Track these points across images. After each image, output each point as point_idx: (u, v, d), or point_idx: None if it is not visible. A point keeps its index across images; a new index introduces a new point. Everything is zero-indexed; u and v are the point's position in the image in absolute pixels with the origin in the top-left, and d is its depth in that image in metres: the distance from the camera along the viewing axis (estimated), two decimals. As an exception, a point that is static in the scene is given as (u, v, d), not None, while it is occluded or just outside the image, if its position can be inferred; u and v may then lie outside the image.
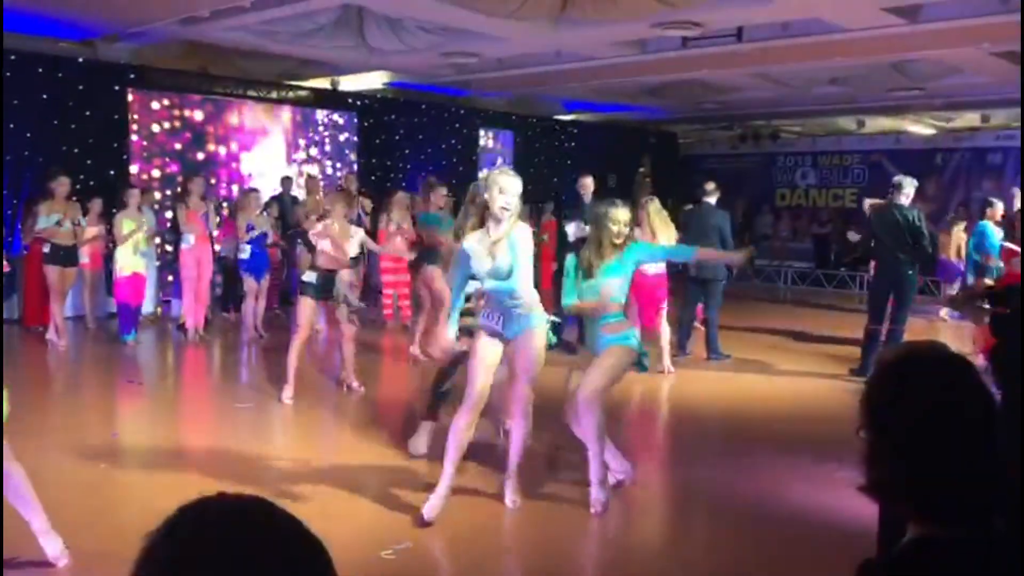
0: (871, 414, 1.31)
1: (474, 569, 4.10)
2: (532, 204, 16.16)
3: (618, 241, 4.80)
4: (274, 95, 14.07)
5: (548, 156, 18.16)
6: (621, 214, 4.83)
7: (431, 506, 4.37)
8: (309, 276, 7.15)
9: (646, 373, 6.06)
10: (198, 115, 13.14)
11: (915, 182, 8.39)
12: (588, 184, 9.31)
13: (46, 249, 9.47)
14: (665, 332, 8.51)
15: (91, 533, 4.19)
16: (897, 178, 8.47)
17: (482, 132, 17.16)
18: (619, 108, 17.37)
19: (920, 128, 18.62)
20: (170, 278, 11.79)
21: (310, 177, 13.02)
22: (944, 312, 12.36)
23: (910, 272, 8.21)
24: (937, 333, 11.27)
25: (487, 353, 4.44)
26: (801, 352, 9.91)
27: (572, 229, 8.98)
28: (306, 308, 7.14)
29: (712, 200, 9.37)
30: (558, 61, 12.53)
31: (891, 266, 8.23)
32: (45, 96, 11.58)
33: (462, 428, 4.44)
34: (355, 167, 14.82)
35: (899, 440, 1.26)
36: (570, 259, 4.96)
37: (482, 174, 4.08)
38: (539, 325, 4.46)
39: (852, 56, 11.52)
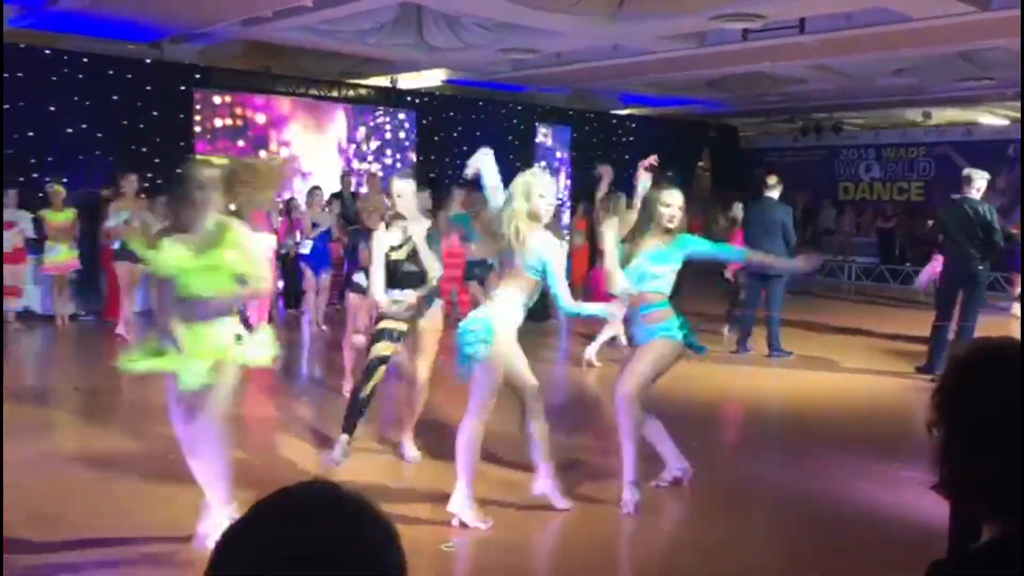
0: (945, 410, 1.28)
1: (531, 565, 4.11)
2: (586, 201, 16.17)
3: (670, 225, 4.62)
4: (334, 93, 14.26)
5: (605, 151, 18.05)
6: (673, 197, 4.65)
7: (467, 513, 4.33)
8: (359, 277, 7.17)
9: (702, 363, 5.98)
10: (260, 114, 13.38)
11: (986, 175, 8.14)
12: (645, 178, 9.21)
13: (116, 246, 9.74)
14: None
15: (164, 516, 4.30)
16: (967, 171, 8.23)
17: (539, 128, 17.15)
18: (677, 102, 17.21)
19: (991, 119, 18.06)
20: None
21: (371, 175, 13.17)
22: (1016, 308, 11.99)
23: (980, 268, 7.98)
24: (1009, 330, 10.94)
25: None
26: (866, 349, 9.73)
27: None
28: (351, 305, 7.28)
29: (774, 194, 9.23)
30: (616, 55, 12.47)
31: (961, 262, 8.01)
32: (115, 97, 11.92)
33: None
34: (413, 165, 14.94)
35: (976, 437, 1.23)
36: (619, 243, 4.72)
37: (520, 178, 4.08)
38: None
39: (919, 46, 11.22)
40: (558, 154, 17.50)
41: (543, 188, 4.29)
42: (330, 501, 0.94)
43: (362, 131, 14.56)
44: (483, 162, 4.62)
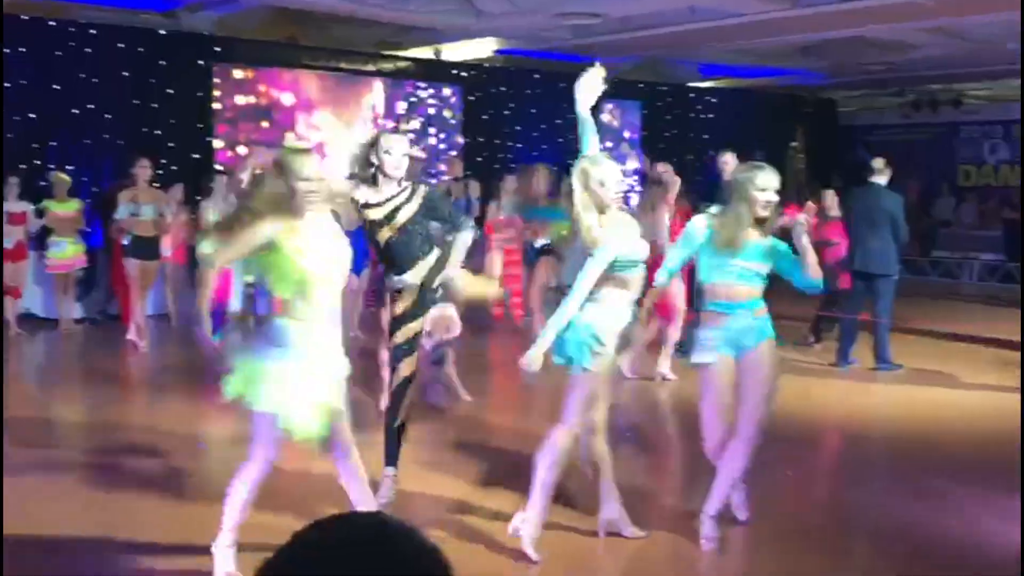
0: None
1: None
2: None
3: (764, 213, 4.52)
4: (370, 67, 14.42)
5: (681, 130, 17.99)
6: (769, 179, 4.53)
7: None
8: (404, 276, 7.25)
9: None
10: (286, 90, 13.59)
11: None
12: (730, 162, 9.15)
13: (126, 241, 9.98)
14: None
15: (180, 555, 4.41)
16: None
17: (604, 104, 17.12)
18: (766, 72, 17.04)
19: None
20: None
21: (412, 159, 13.26)
22: None
23: None
24: None
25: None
26: (989, 361, 9.54)
27: (711, 215, 8.89)
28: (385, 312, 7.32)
29: (882, 180, 9.10)
30: (693, 19, 12.37)
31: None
32: (126, 73, 12.21)
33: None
34: (460, 147, 15.05)
35: None
36: (705, 230, 4.58)
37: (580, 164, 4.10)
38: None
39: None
40: (625, 134, 17.46)
41: (603, 175, 4.33)
42: (375, 533, 0.96)
43: (401, 109, 14.68)
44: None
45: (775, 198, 4.55)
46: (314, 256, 3.92)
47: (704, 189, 11.26)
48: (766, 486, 5.59)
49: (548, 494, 4.39)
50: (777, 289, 4.71)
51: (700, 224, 4.60)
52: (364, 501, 4.21)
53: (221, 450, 6.42)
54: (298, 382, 3.90)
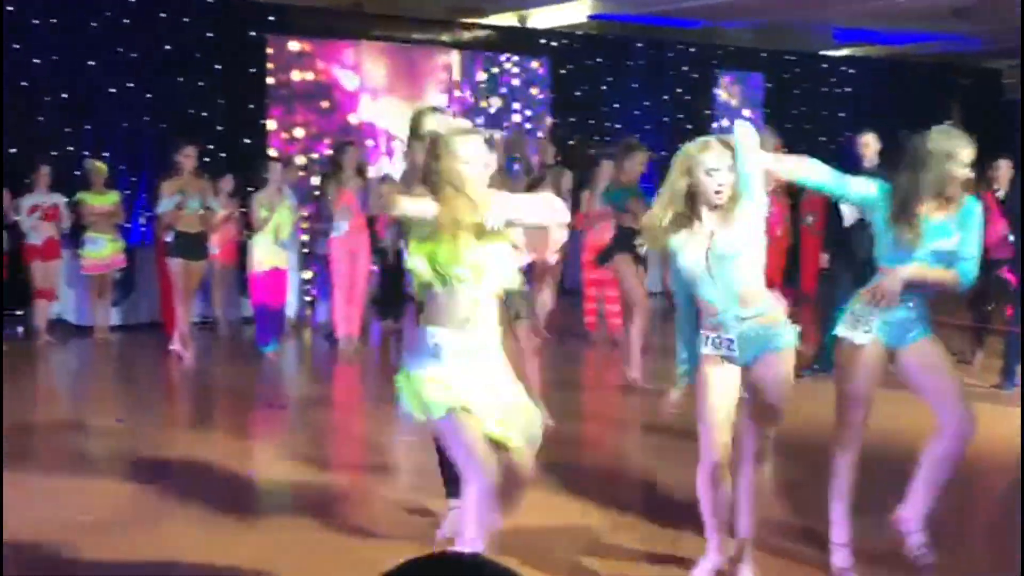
0: None
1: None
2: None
3: (951, 193, 4.42)
4: (445, 37, 14.57)
5: (811, 107, 17.77)
6: (966, 151, 4.43)
7: None
8: None
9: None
10: (348, 67, 13.81)
11: None
12: (870, 144, 9.06)
13: (169, 238, 10.26)
14: None
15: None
16: None
17: (720, 77, 17.03)
18: (913, 38, 16.73)
19: None
20: (309, 274, 12.43)
21: (491, 138, 13.38)
22: None
23: None
24: None
25: (720, 384, 4.41)
26: None
27: (851, 209, 8.76)
28: None
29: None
30: (827, -26, 12.26)
31: None
32: (168, 46, 12.55)
33: (709, 484, 4.43)
34: (548, 127, 15.10)
35: None
36: (880, 206, 4.55)
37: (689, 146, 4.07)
38: (786, 345, 4.37)
39: None
40: (745, 112, 17.31)
41: (714, 161, 4.24)
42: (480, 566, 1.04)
43: (480, 85, 14.80)
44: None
45: (971, 175, 4.50)
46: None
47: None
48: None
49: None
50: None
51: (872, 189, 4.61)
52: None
53: (271, 472, 6.57)
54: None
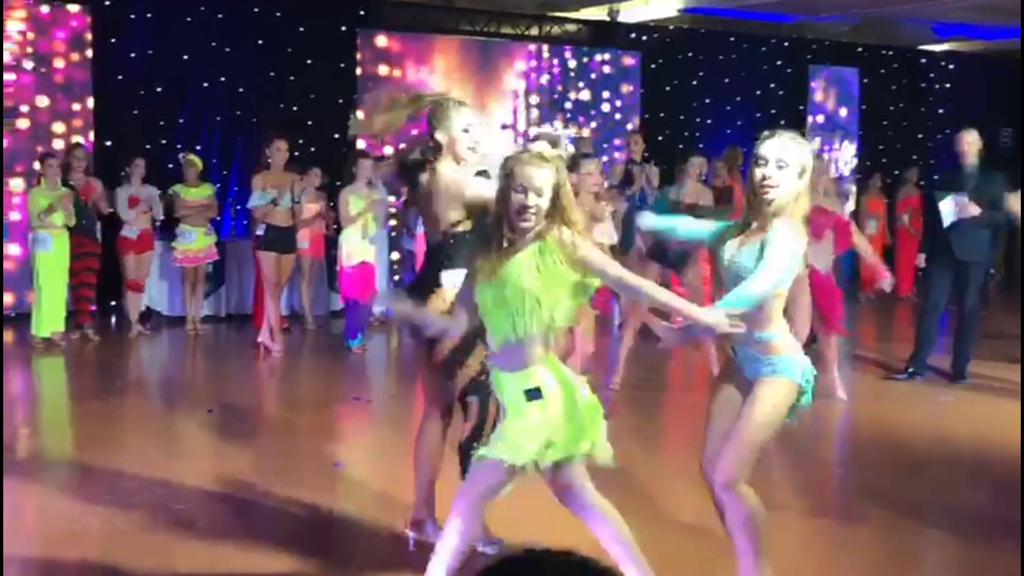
0: None
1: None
2: (882, 172, 15.71)
3: None
4: (534, 31, 14.62)
5: (909, 103, 17.49)
6: None
7: None
8: None
9: None
10: (437, 62, 13.90)
11: None
12: (972, 141, 8.88)
13: (259, 232, 10.43)
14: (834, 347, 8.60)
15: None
16: None
17: (815, 72, 16.81)
18: (1016, 32, 16.34)
19: None
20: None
21: (582, 139, 13.40)
22: None
23: None
24: None
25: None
26: None
27: (950, 206, 8.61)
28: None
29: None
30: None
31: None
32: (260, 40, 12.77)
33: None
34: (638, 123, 15.06)
35: None
36: None
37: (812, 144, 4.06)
38: (784, 373, 4.10)
39: None
40: (843, 112, 17.10)
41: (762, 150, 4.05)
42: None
43: (570, 78, 14.82)
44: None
45: None
46: None
47: (940, 175, 10.90)
48: (1002, 541, 5.42)
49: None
50: None
51: None
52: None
53: (358, 467, 6.64)
54: None
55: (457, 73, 14.03)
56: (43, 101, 11.93)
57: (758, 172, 3.99)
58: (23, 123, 11.83)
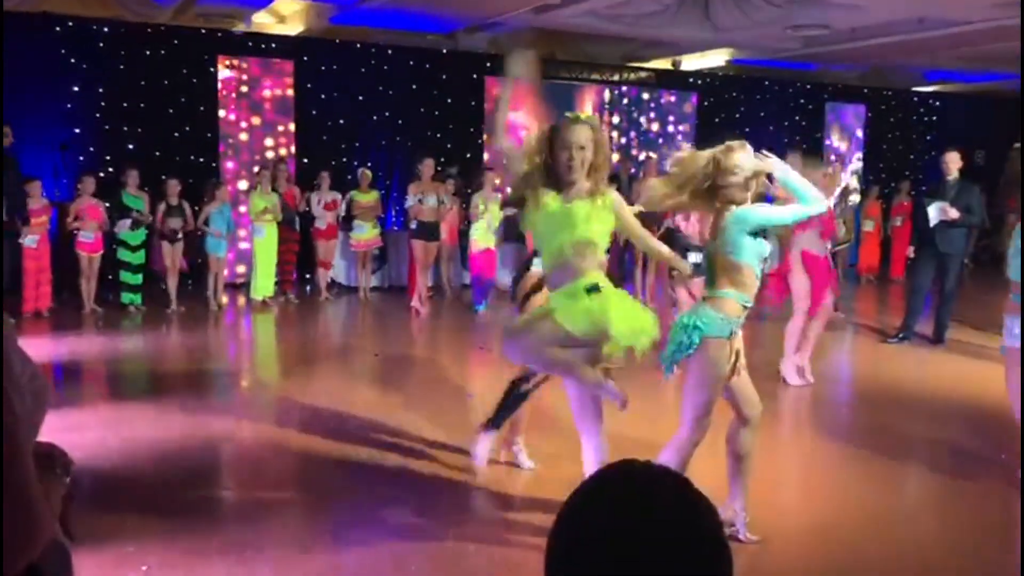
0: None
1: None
2: (880, 184, 15.25)
3: None
4: (616, 77, 14.47)
5: (904, 132, 16.93)
6: None
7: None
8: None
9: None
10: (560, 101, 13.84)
11: None
12: (954, 160, 8.58)
13: (413, 225, 10.57)
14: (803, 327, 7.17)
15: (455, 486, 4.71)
16: None
17: (831, 107, 16.36)
18: (991, 77, 15.69)
19: None
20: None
21: (648, 157, 13.27)
22: None
23: None
24: None
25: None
26: None
27: (934, 212, 8.33)
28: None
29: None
30: (921, 28, 11.60)
31: None
32: (414, 86, 12.91)
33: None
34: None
35: None
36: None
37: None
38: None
39: None
40: (858, 134, 16.62)
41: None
42: (681, 486, 0.98)
43: (639, 113, 14.66)
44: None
45: None
46: None
47: (928, 187, 10.56)
48: (979, 474, 5.29)
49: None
50: None
51: None
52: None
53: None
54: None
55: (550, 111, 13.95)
56: (256, 120, 12.16)
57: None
58: (243, 136, 12.12)
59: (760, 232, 3.83)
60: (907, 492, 5.06)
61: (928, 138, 16.94)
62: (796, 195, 3.87)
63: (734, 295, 3.76)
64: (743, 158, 3.84)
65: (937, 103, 17.37)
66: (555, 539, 0.96)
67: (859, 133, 16.63)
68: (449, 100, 13.13)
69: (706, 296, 3.86)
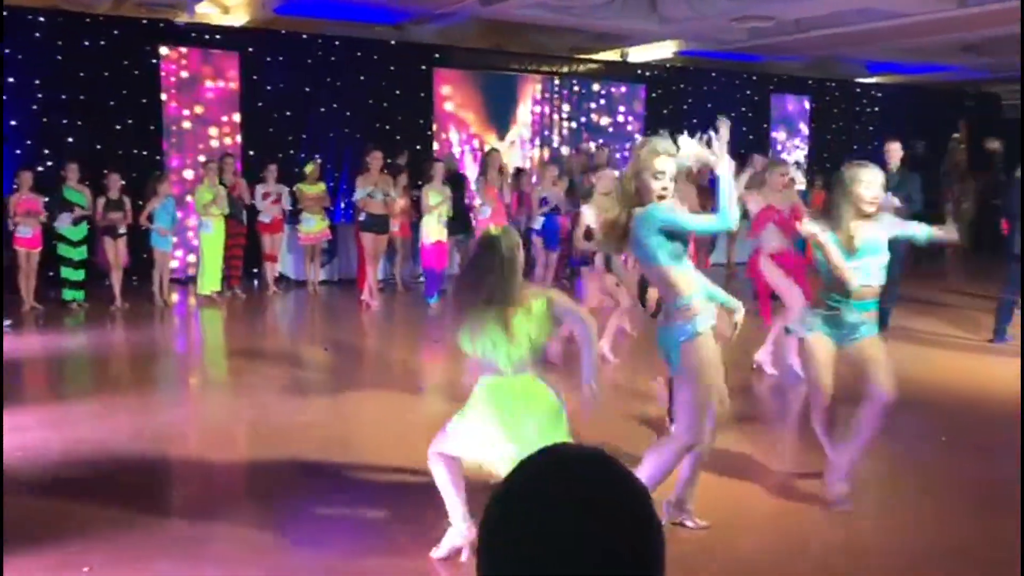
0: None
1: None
2: (827, 174, 15.49)
3: (870, 211, 4.22)
4: (565, 69, 14.50)
5: (847, 122, 17.23)
6: (875, 177, 4.21)
7: None
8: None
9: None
10: (487, 91, 13.82)
11: None
12: (895, 150, 8.73)
13: (362, 218, 10.50)
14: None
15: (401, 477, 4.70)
16: None
17: (776, 99, 16.58)
18: (930, 68, 16.03)
19: None
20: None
21: (600, 148, 13.33)
22: None
23: None
24: None
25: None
26: None
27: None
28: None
29: (1043, 168, 8.46)
30: (862, 20, 11.80)
31: None
32: (362, 77, 12.80)
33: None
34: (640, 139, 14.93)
35: None
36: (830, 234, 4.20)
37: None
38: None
39: None
40: (802, 126, 16.87)
41: (663, 166, 3.75)
42: (599, 458, 0.98)
43: (586, 105, 14.71)
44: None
45: (880, 194, 4.26)
46: None
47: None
48: (922, 455, 5.41)
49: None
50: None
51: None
52: None
53: (435, 389, 6.73)
54: None
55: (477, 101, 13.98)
56: (198, 107, 11.95)
57: (658, 183, 3.76)
58: (185, 121, 11.89)
59: (676, 235, 3.71)
60: (853, 477, 5.16)
61: (870, 128, 17.25)
62: (719, 202, 3.74)
63: (686, 299, 3.71)
64: (663, 163, 3.77)
65: (879, 94, 17.70)
66: (484, 526, 0.96)
67: (802, 127, 16.90)
68: (398, 92, 13.04)
69: (676, 310, 3.74)
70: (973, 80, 17.53)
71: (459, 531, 3.74)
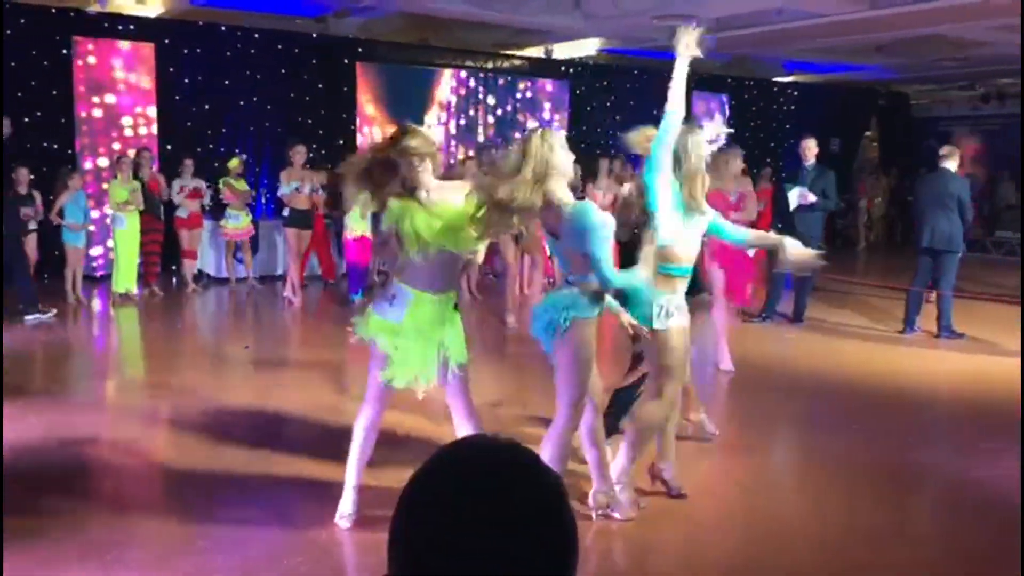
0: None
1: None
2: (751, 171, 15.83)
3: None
4: (489, 64, 14.50)
5: (765, 120, 17.63)
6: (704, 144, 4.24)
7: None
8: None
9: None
10: (417, 86, 13.73)
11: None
12: (811, 147, 9.00)
13: (285, 213, 10.33)
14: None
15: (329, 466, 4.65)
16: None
17: (696, 97, 16.86)
18: (844, 68, 16.51)
19: None
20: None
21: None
22: None
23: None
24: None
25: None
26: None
27: (794, 196, 8.73)
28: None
29: (951, 166, 8.80)
30: (779, 20, 12.09)
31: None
32: (283, 70, 12.58)
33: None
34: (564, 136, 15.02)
35: None
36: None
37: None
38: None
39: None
40: (716, 117, 17.17)
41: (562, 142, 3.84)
42: (509, 448, 0.97)
43: (511, 101, 14.74)
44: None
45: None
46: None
47: (787, 172, 11.05)
48: (836, 442, 5.57)
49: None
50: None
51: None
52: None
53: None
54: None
55: (430, 93, 13.91)
56: (111, 99, 11.58)
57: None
58: (97, 112, 11.51)
59: None
60: (772, 465, 5.28)
61: (787, 126, 17.69)
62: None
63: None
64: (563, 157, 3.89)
65: (795, 92, 18.15)
66: (395, 518, 0.93)
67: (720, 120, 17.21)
68: (320, 86, 12.87)
69: (570, 281, 3.84)
70: (884, 80, 18.13)
71: (348, 498, 4.10)
